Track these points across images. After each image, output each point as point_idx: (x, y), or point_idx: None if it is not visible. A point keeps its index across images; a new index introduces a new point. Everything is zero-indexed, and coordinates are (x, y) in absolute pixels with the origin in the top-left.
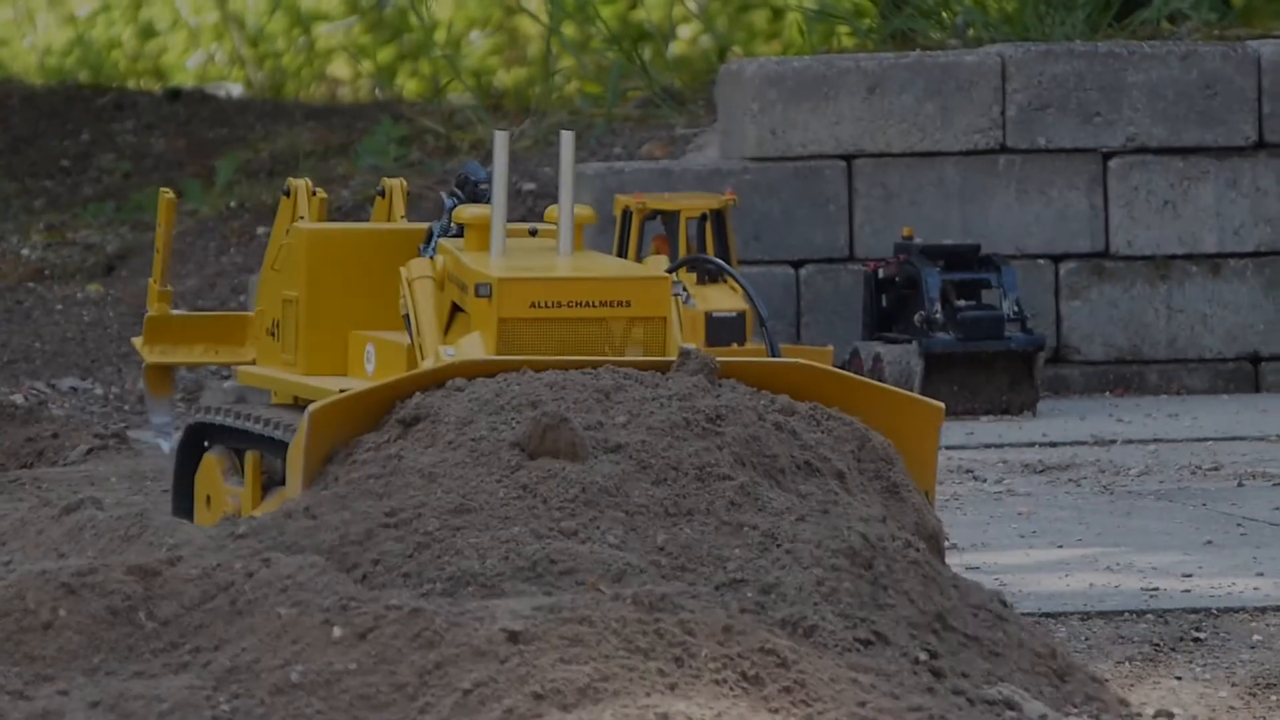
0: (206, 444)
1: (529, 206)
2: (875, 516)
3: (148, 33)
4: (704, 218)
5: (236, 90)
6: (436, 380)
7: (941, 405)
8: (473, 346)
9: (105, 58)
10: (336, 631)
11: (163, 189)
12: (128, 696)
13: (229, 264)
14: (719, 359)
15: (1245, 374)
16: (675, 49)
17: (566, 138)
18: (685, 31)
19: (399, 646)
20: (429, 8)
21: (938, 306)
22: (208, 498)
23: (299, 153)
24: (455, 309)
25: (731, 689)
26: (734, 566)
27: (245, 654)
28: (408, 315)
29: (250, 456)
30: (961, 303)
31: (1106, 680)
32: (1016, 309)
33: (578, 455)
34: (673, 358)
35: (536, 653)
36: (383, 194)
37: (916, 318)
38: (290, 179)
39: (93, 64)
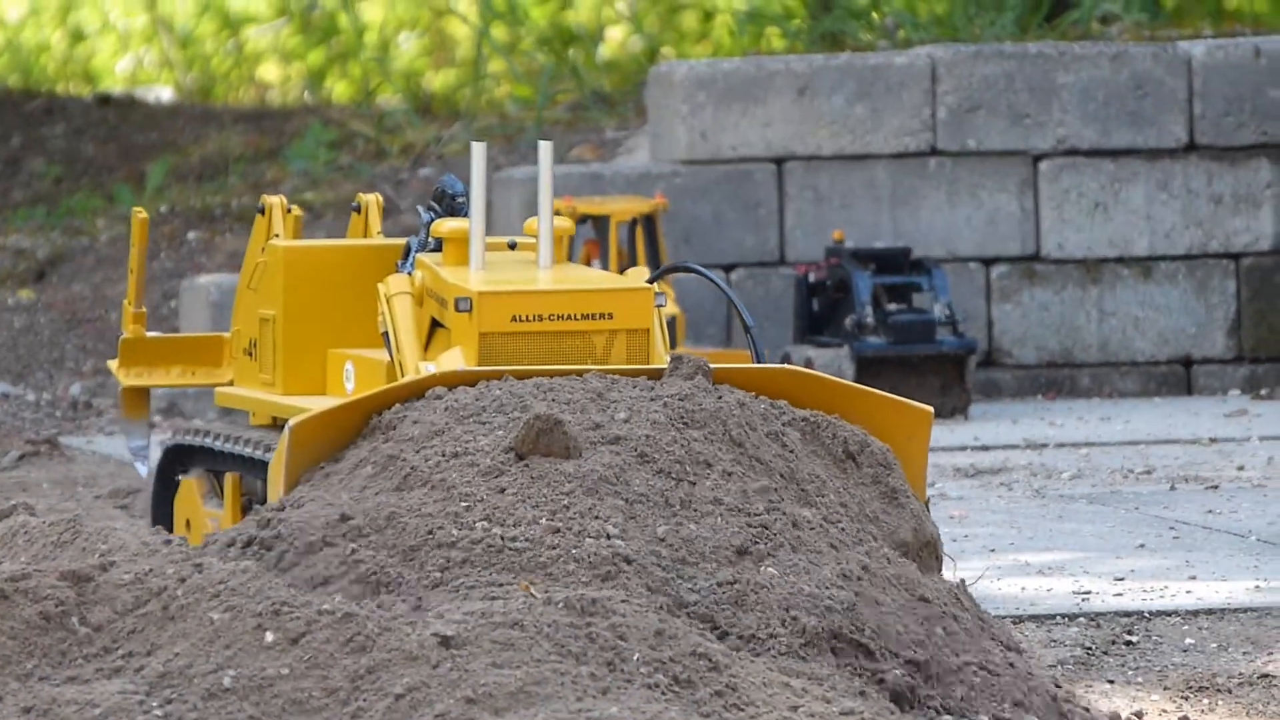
0: (184, 467)
1: (461, 211)
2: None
3: (77, 36)
4: (634, 222)
5: (166, 94)
6: (418, 391)
7: (930, 409)
8: (453, 362)
9: (35, 62)
10: (269, 636)
11: (135, 208)
12: (60, 702)
13: (159, 269)
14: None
15: (1177, 377)
16: (605, 51)
17: (545, 148)
18: (615, 33)
19: (331, 651)
20: (358, 10)
21: (869, 310)
22: (187, 521)
23: (229, 157)
24: (435, 324)
25: (663, 693)
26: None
27: (178, 659)
28: (386, 333)
29: (230, 478)
30: (892, 306)
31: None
32: (948, 312)
33: (571, 458)
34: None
35: (468, 657)
36: (358, 209)
37: (847, 321)
38: (265, 196)
39: (22, 68)
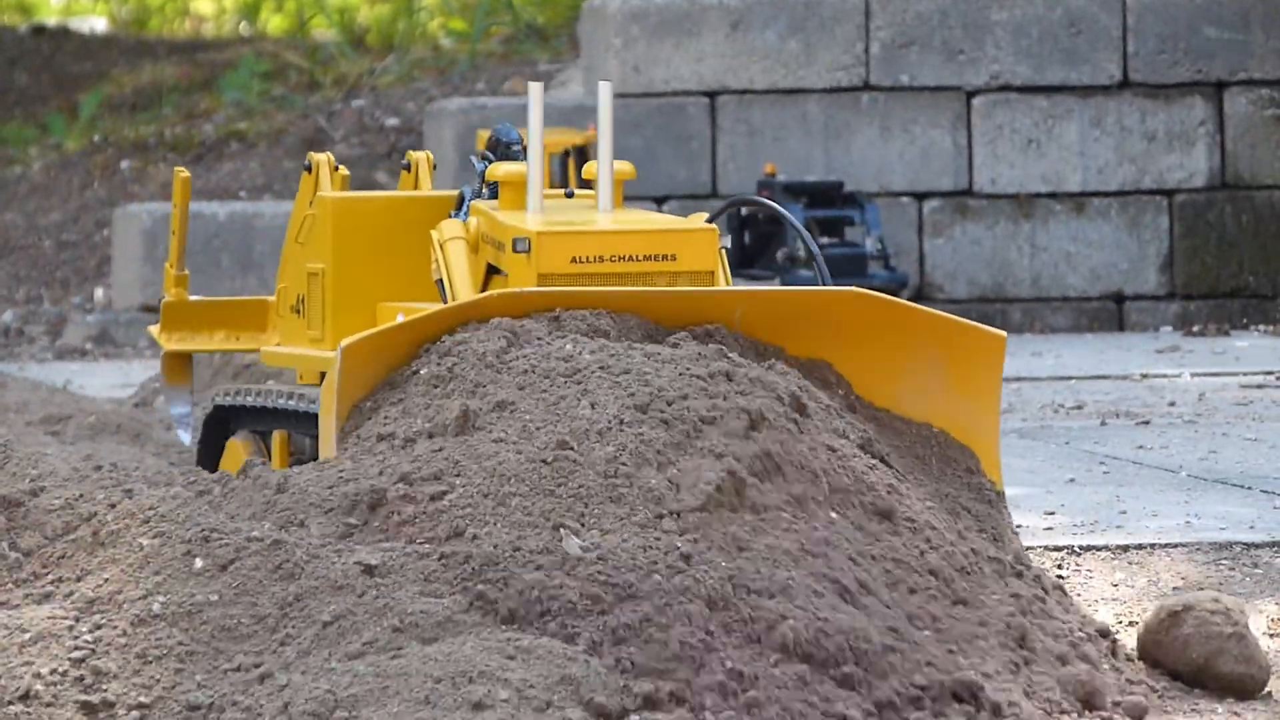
0: (229, 429)
1: (391, 142)
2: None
3: None
4: (566, 153)
5: (101, 25)
6: (476, 313)
7: (1003, 334)
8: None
9: None
10: (198, 563)
11: (177, 168)
12: None
13: (93, 198)
14: (767, 289)
15: (1109, 313)
16: None
17: (604, 88)
18: None
19: (260, 579)
20: None
21: (800, 244)
22: None
23: (162, 88)
24: (491, 272)
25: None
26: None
27: (107, 585)
28: (440, 280)
29: (278, 436)
30: (825, 240)
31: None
32: (880, 246)
33: None
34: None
35: (394, 586)
36: (408, 168)
37: (779, 254)
38: (312, 154)
39: None
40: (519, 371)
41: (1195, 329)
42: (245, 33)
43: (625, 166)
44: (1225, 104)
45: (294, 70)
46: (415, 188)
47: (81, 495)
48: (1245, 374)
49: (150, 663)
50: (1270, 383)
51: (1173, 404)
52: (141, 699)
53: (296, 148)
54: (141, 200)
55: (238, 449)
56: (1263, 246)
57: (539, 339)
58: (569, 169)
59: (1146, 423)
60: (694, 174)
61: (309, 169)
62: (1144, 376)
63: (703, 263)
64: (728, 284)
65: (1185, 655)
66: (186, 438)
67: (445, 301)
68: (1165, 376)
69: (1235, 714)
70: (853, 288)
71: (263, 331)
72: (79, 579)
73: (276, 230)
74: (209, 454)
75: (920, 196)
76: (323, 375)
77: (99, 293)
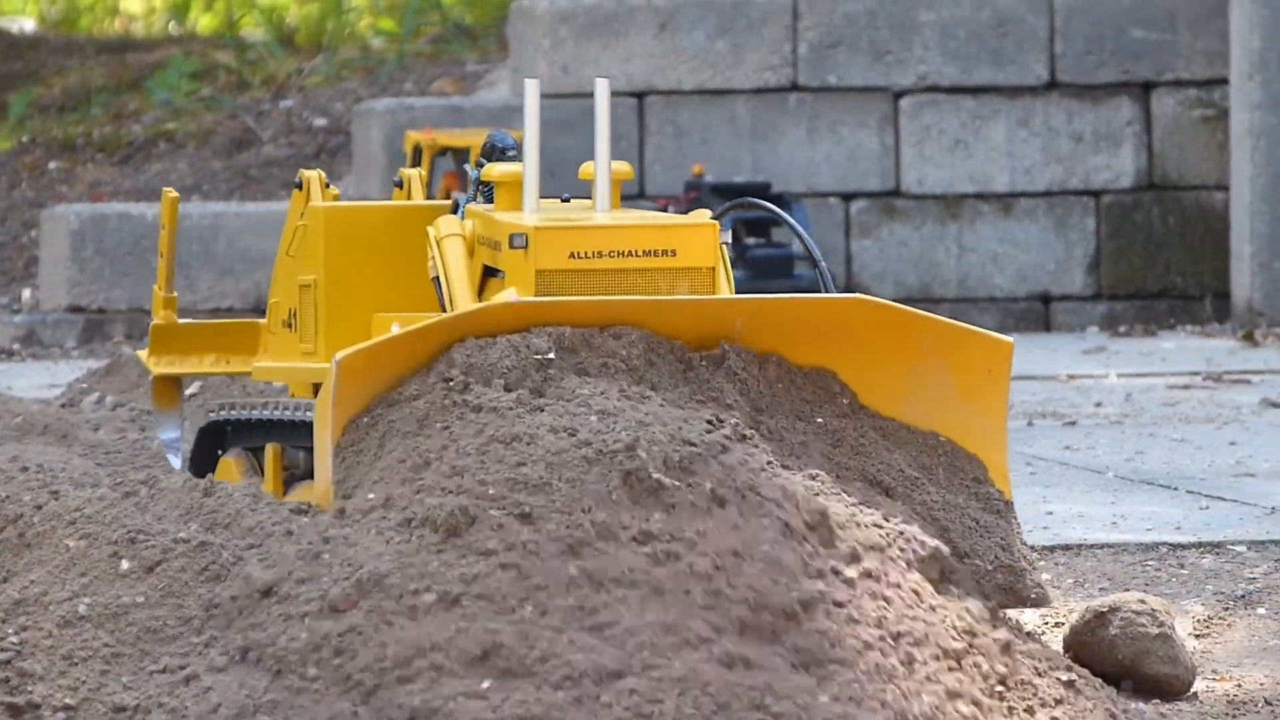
0: (221, 448)
1: (320, 143)
2: None
3: None
4: None
5: (29, 25)
6: (478, 323)
7: (1011, 340)
8: (505, 298)
9: None
10: (124, 564)
11: (165, 189)
12: None
13: (20, 199)
14: (770, 297)
15: (1036, 313)
16: None
17: (602, 85)
18: None
19: (186, 580)
20: None
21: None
22: None
23: (91, 88)
24: (488, 274)
25: None
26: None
27: (33, 586)
28: (437, 277)
29: (270, 450)
30: (751, 241)
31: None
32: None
33: None
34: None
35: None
36: (400, 184)
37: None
38: (302, 170)
39: None
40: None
41: (1122, 330)
42: (174, 32)
43: (622, 166)
44: (1153, 105)
45: (223, 70)
46: None
47: (8, 497)
48: (1172, 375)
49: (76, 664)
50: (1197, 383)
51: (1099, 405)
52: (67, 700)
53: (224, 148)
54: (69, 201)
55: (230, 467)
56: (1189, 247)
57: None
58: None
59: (1073, 423)
60: None
61: (299, 186)
62: (1071, 377)
63: (703, 259)
64: (729, 280)
65: (1111, 656)
66: (176, 462)
67: (441, 299)
68: (1092, 377)
69: (1161, 715)
70: (857, 295)
71: (253, 354)
72: (4, 580)
73: (205, 230)
74: (200, 472)
75: (847, 197)
76: (315, 388)
77: (26, 294)
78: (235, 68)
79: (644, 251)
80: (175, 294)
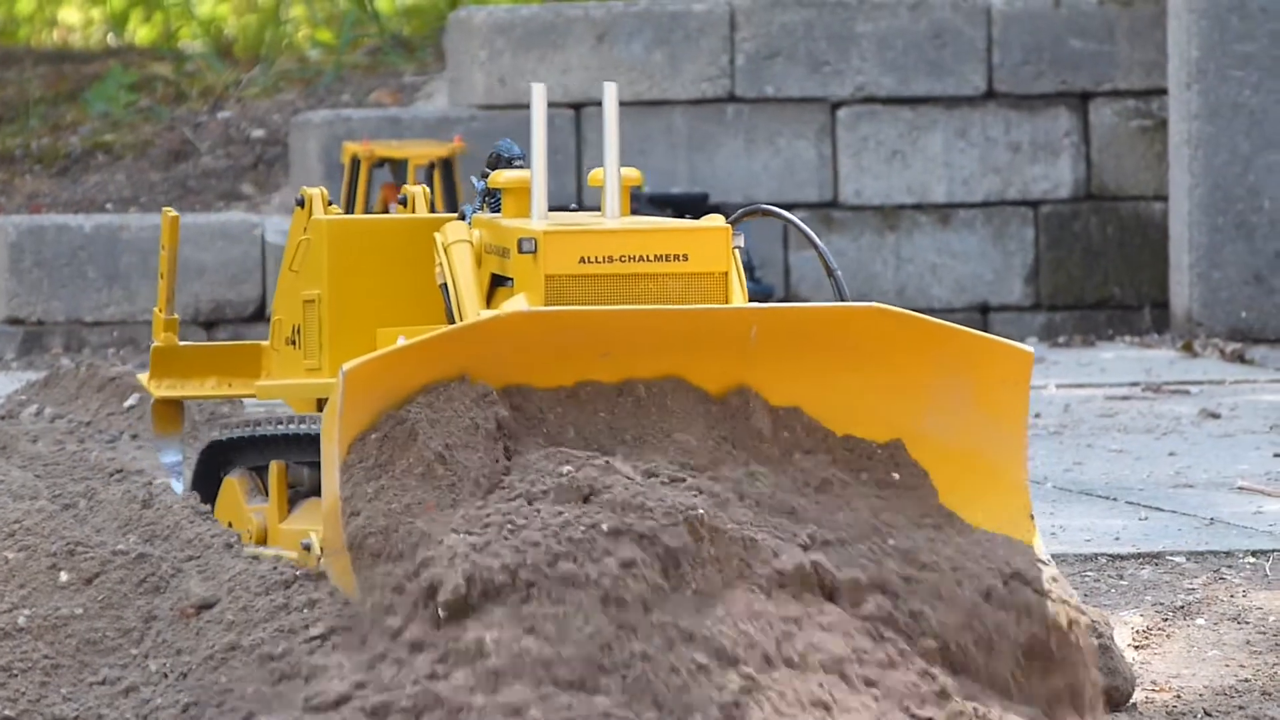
0: (224, 468)
1: (258, 154)
2: None
3: None
4: (432, 165)
5: None
6: (483, 334)
7: (1031, 351)
8: (518, 307)
9: None
10: (63, 576)
11: (165, 209)
12: None
13: None
14: (786, 306)
15: (974, 324)
16: None
17: (610, 89)
18: None
19: (125, 591)
20: None
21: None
22: (229, 524)
23: (29, 99)
24: (496, 283)
25: None
26: None
27: None
28: (444, 285)
29: (275, 467)
30: None
31: None
32: (745, 258)
33: None
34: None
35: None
36: (404, 202)
37: None
38: (304, 188)
39: None
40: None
41: (1060, 340)
42: (113, 44)
43: (632, 173)
44: (1090, 115)
45: (161, 82)
46: None
47: None
48: (1110, 385)
49: (15, 676)
50: (1135, 394)
51: (1038, 415)
52: (6, 712)
53: (163, 160)
54: (7, 213)
55: (234, 488)
56: (1128, 258)
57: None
58: (435, 182)
59: None
60: (559, 186)
61: (301, 203)
62: None
63: (716, 264)
64: (742, 286)
65: None
66: (179, 487)
67: (449, 307)
68: (1031, 388)
69: None
70: (876, 304)
71: (256, 376)
72: None
73: (143, 242)
74: (202, 499)
75: (785, 208)
76: (319, 403)
77: None
78: (173, 79)
79: (655, 256)
80: (176, 316)
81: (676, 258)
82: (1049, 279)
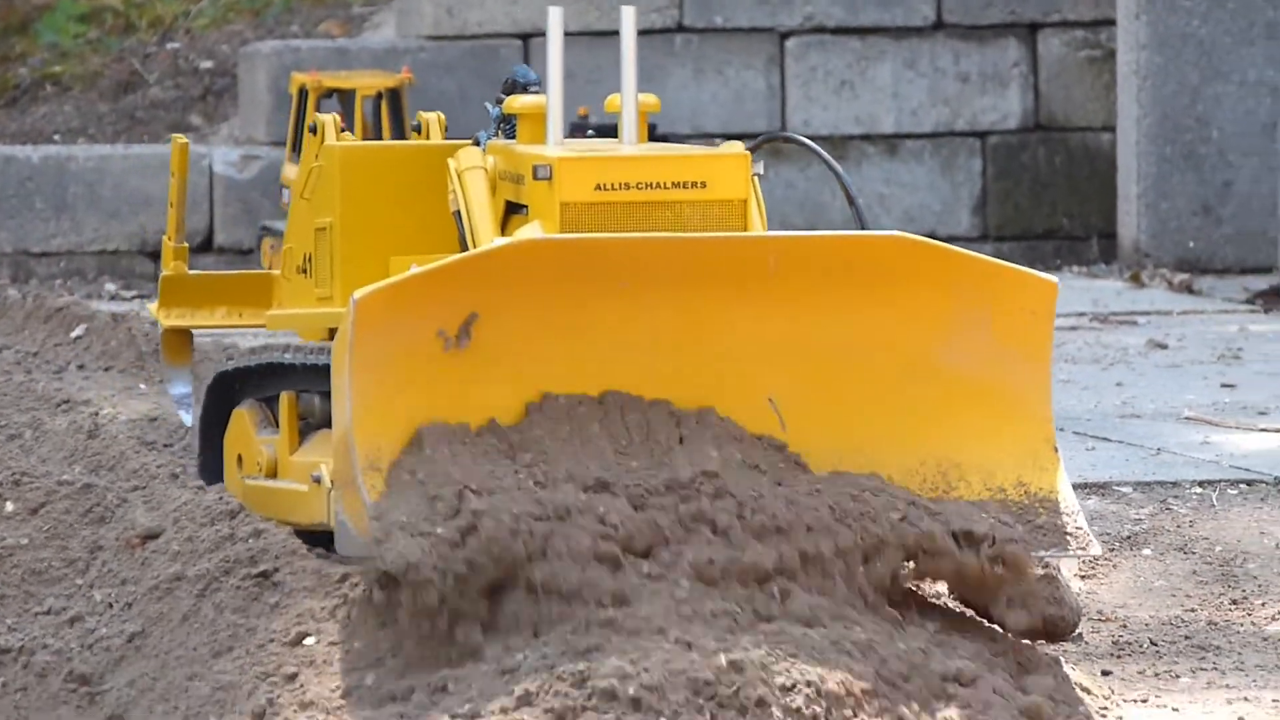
0: (233, 399)
1: (206, 85)
2: None
3: None
4: (380, 96)
5: None
6: (496, 263)
7: (1055, 281)
8: (532, 235)
9: None
10: (9, 506)
11: (175, 135)
12: None
13: None
14: (806, 234)
15: None
16: None
17: (627, 13)
18: None
19: (70, 522)
20: None
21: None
22: (239, 456)
23: None
24: (510, 210)
25: None
26: None
27: None
28: (458, 211)
29: (285, 398)
30: None
31: None
32: None
33: None
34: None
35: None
36: (419, 129)
37: None
38: (317, 115)
39: None
40: None
41: None
42: None
43: (650, 99)
44: (1039, 45)
45: (110, 13)
46: None
47: None
48: (1058, 315)
49: None
50: (1083, 324)
51: None
52: None
53: (111, 91)
54: None
55: (244, 420)
56: (1076, 188)
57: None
58: (382, 113)
59: None
60: None
61: (314, 130)
62: None
63: (734, 190)
64: (761, 214)
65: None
66: (188, 418)
67: (462, 233)
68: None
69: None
70: (896, 233)
71: (266, 306)
72: None
73: (90, 173)
74: (212, 431)
75: (734, 138)
76: (331, 332)
77: None
78: (122, 10)
79: (673, 183)
80: (186, 244)
81: (695, 185)
82: (997, 210)
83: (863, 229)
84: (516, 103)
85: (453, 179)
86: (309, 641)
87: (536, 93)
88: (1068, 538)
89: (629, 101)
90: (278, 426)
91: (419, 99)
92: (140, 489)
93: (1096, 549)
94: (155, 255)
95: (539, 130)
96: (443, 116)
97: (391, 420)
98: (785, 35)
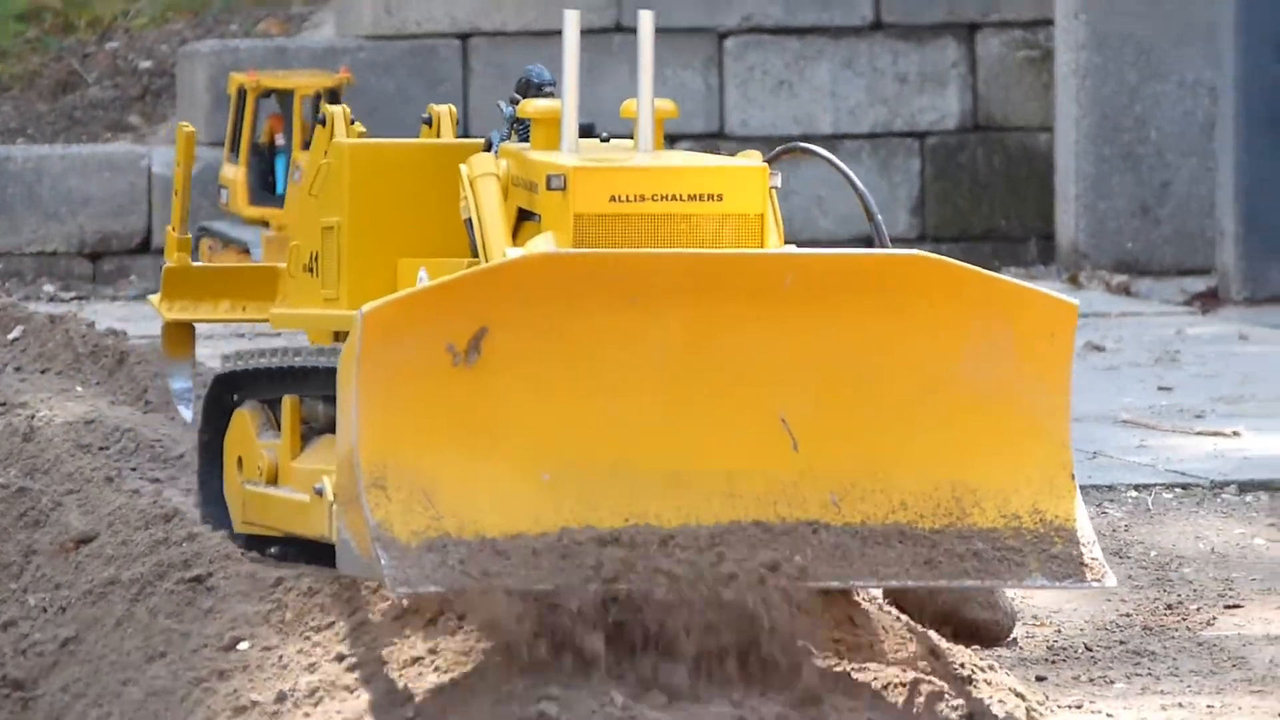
0: (235, 400)
1: (145, 84)
2: None
3: None
4: (319, 96)
5: None
6: (509, 276)
7: (1075, 303)
8: (544, 247)
9: None
10: None
11: (181, 123)
12: None
13: None
14: (824, 252)
15: None
16: None
17: (645, 17)
18: None
19: (4, 525)
20: None
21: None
22: (239, 459)
23: None
24: (523, 217)
25: None
26: None
27: None
28: (469, 219)
29: (288, 401)
30: None
31: None
32: None
33: None
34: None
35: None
36: (429, 122)
37: None
38: (326, 106)
39: None
40: None
41: None
42: None
43: (667, 105)
44: (978, 46)
45: (49, 12)
46: None
47: None
48: None
49: None
50: None
51: None
52: None
53: (50, 91)
54: None
55: (245, 421)
56: (1014, 189)
57: None
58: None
59: None
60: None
61: (323, 121)
62: None
63: (752, 205)
64: (779, 228)
65: (933, 602)
66: (188, 414)
67: (473, 242)
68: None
69: (984, 660)
70: (916, 252)
71: (271, 300)
72: None
73: (29, 173)
74: (212, 430)
75: (672, 139)
76: (337, 335)
77: None
78: (61, 10)
79: (689, 196)
80: (189, 235)
81: (711, 198)
82: (935, 210)
83: (882, 246)
84: (531, 106)
85: (464, 186)
86: (243, 646)
87: (551, 94)
88: (1084, 569)
89: (645, 107)
90: (279, 427)
91: (358, 98)
92: (75, 492)
93: (1112, 580)
94: (93, 256)
95: (553, 135)
96: (453, 109)
97: (398, 437)
98: (723, 35)
